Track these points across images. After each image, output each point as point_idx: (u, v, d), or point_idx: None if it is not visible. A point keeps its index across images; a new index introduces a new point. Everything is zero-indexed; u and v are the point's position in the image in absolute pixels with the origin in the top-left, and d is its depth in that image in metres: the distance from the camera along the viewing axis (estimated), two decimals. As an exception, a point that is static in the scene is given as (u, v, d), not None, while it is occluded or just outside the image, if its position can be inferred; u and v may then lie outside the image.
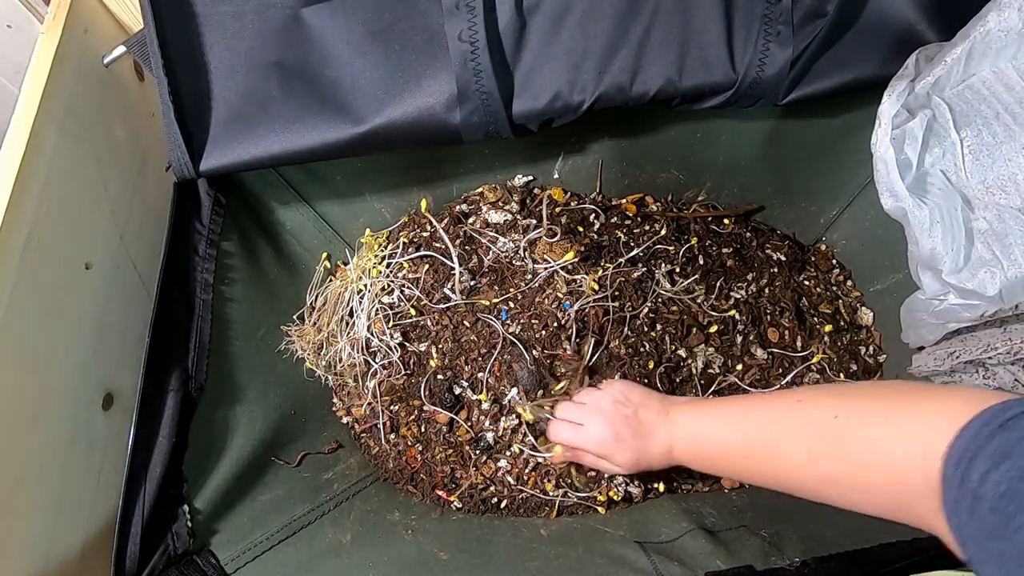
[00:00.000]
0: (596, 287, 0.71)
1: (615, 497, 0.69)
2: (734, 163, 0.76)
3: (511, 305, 0.73)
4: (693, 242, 0.79)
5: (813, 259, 0.85)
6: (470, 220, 0.78)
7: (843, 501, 0.41)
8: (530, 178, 0.79)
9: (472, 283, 0.75)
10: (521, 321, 0.72)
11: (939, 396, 0.36)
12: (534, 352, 0.70)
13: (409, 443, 0.73)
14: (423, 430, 0.73)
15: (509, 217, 0.77)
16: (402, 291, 0.75)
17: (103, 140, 0.62)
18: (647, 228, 0.80)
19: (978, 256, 0.53)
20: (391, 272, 0.76)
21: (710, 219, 0.83)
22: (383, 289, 0.75)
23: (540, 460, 0.69)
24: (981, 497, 0.29)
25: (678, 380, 0.73)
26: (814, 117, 0.68)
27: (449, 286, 0.73)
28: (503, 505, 0.70)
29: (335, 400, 0.78)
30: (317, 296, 0.77)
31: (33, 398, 0.49)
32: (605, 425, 0.58)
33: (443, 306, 0.74)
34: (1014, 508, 0.27)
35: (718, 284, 0.77)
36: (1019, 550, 0.26)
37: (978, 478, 0.29)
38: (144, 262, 0.65)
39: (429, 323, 0.74)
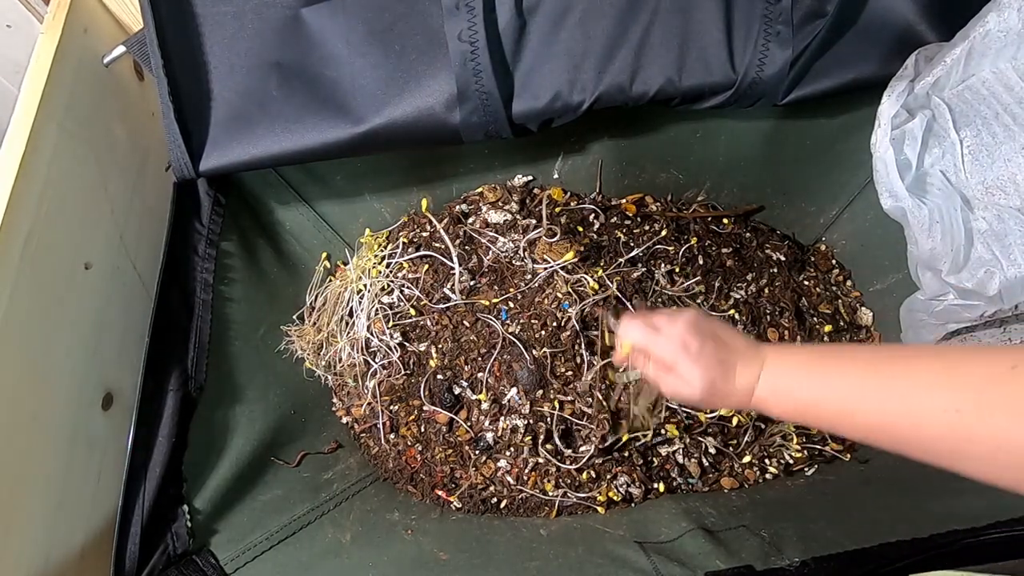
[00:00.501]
0: (596, 286, 0.71)
1: (615, 497, 0.69)
2: (734, 163, 0.76)
3: (511, 305, 0.73)
4: (693, 242, 0.79)
5: (813, 259, 0.85)
6: (470, 220, 0.78)
7: (996, 468, 0.37)
8: (530, 178, 0.79)
9: (472, 283, 0.75)
10: (521, 321, 0.72)
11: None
12: (534, 352, 0.70)
13: (409, 443, 0.73)
14: (423, 430, 0.73)
15: (509, 217, 0.77)
16: (402, 291, 0.75)
17: (103, 140, 0.62)
18: (647, 228, 0.80)
19: (978, 256, 0.53)
20: (391, 272, 0.76)
21: (710, 219, 0.83)
22: (383, 289, 0.75)
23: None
24: None
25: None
26: (814, 117, 0.68)
27: (449, 286, 0.73)
28: (503, 505, 0.70)
29: (335, 400, 0.78)
30: (317, 296, 0.77)
31: (33, 398, 0.49)
32: (688, 332, 0.51)
33: (443, 306, 0.74)
34: None
35: (718, 284, 0.78)
36: None
37: None
38: (144, 262, 0.65)
39: (429, 323, 0.74)
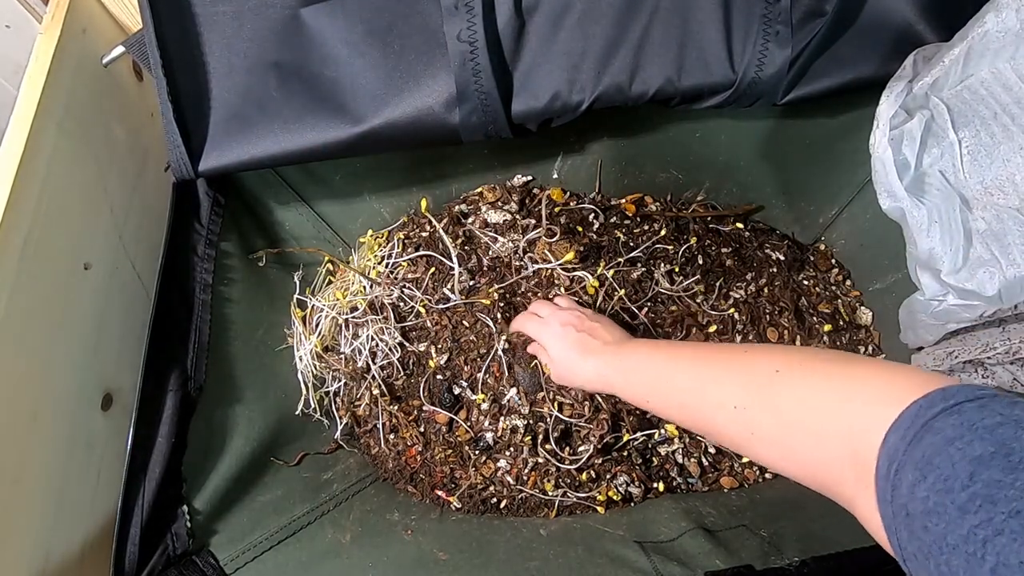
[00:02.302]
0: (596, 284, 0.71)
1: (614, 497, 0.69)
2: (733, 163, 0.76)
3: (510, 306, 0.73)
4: (692, 242, 0.79)
5: (812, 259, 0.85)
6: (469, 220, 0.78)
7: (771, 461, 0.40)
8: (529, 178, 0.79)
9: (471, 283, 0.75)
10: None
11: (888, 373, 0.33)
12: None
13: (408, 443, 0.73)
14: (422, 430, 0.73)
15: (508, 217, 0.77)
16: (401, 291, 0.75)
17: (102, 140, 0.62)
18: (646, 228, 0.80)
19: (977, 256, 0.53)
20: (390, 272, 0.76)
21: (709, 219, 0.83)
22: (383, 289, 0.75)
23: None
24: (913, 514, 0.26)
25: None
26: (813, 117, 0.68)
27: (448, 286, 0.73)
28: (502, 505, 0.70)
29: (335, 400, 0.78)
30: (316, 296, 0.77)
31: (32, 398, 0.49)
32: (567, 318, 0.62)
33: (442, 306, 0.74)
34: (943, 527, 0.25)
35: (717, 284, 0.78)
36: (954, 573, 0.24)
37: (907, 491, 0.27)
38: (143, 262, 0.65)
39: (428, 323, 0.74)
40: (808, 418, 0.36)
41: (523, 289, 0.74)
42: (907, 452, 0.28)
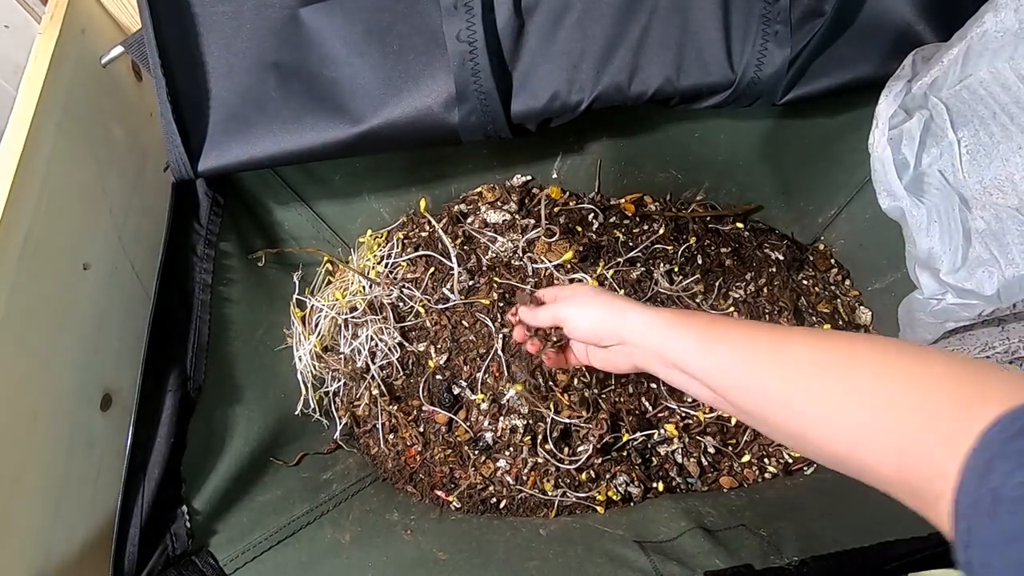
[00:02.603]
0: (596, 284, 0.71)
1: (614, 497, 0.69)
2: (732, 163, 0.76)
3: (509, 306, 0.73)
4: (692, 241, 0.79)
5: (811, 258, 0.85)
6: (468, 220, 0.78)
7: (843, 462, 0.37)
8: (529, 178, 0.79)
9: (471, 283, 0.75)
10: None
11: (986, 377, 0.32)
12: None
13: (408, 443, 0.73)
14: (422, 430, 0.73)
15: (508, 217, 0.77)
16: (401, 291, 0.75)
17: (101, 140, 0.62)
18: (646, 228, 0.80)
19: (976, 256, 0.54)
20: (390, 272, 0.76)
21: (708, 219, 0.83)
22: (382, 289, 0.75)
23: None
24: (1001, 498, 0.27)
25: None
26: (812, 117, 0.68)
27: (448, 286, 0.73)
28: (502, 505, 0.70)
29: (334, 400, 0.78)
30: (316, 296, 0.77)
31: (32, 398, 0.49)
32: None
33: (442, 306, 0.74)
34: None
35: (717, 283, 0.78)
36: None
37: (1000, 478, 0.27)
38: (142, 262, 0.65)
39: (428, 323, 0.74)
40: (903, 420, 0.34)
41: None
42: (1005, 444, 0.28)
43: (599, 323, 0.52)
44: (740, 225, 0.83)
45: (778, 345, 0.41)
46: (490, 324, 0.72)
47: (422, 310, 0.74)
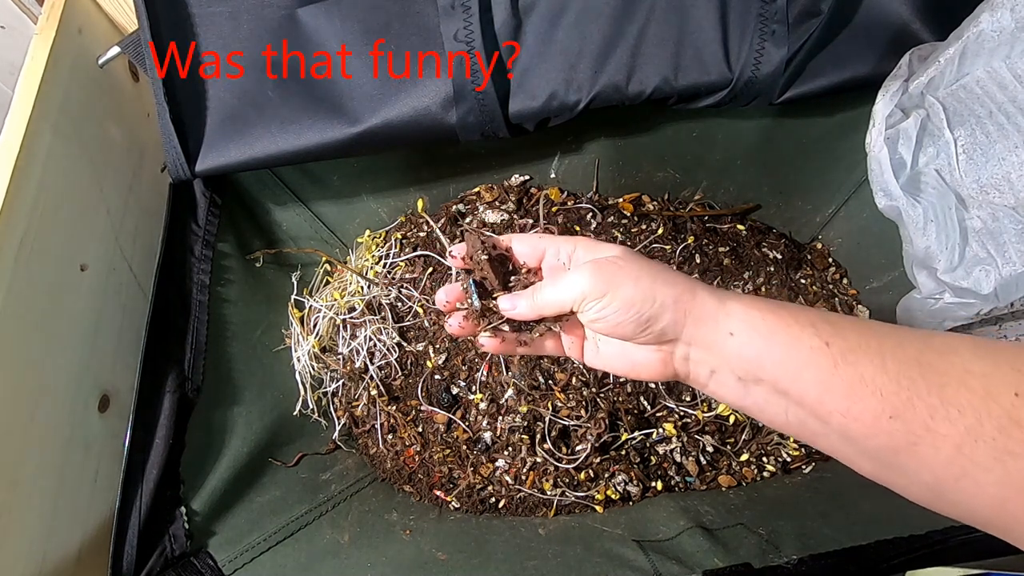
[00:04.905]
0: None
1: (613, 496, 0.69)
2: (730, 162, 0.76)
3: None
4: (690, 241, 0.79)
5: (809, 257, 0.85)
6: (467, 220, 0.78)
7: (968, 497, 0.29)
8: (527, 177, 0.79)
9: (469, 283, 0.75)
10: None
11: None
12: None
13: (407, 443, 0.73)
14: (421, 430, 0.73)
15: (506, 216, 0.77)
16: (399, 291, 0.75)
17: (98, 141, 0.62)
18: (644, 227, 0.80)
19: (973, 255, 0.54)
20: (388, 272, 0.76)
21: (706, 218, 0.83)
22: (380, 289, 0.75)
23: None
24: None
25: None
26: (809, 116, 0.68)
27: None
28: (501, 505, 0.70)
29: (333, 400, 0.78)
30: (314, 297, 0.77)
31: (29, 400, 0.49)
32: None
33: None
34: None
35: (715, 283, 0.78)
36: None
37: None
38: (140, 263, 0.65)
39: (426, 323, 0.74)
40: None
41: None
42: None
43: (643, 310, 0.33)
44: (739, 224, 0.84)
45: (942, 359, 0.29)
46: (488, 324, 0.72)
47: (420, 310, 0.74)
